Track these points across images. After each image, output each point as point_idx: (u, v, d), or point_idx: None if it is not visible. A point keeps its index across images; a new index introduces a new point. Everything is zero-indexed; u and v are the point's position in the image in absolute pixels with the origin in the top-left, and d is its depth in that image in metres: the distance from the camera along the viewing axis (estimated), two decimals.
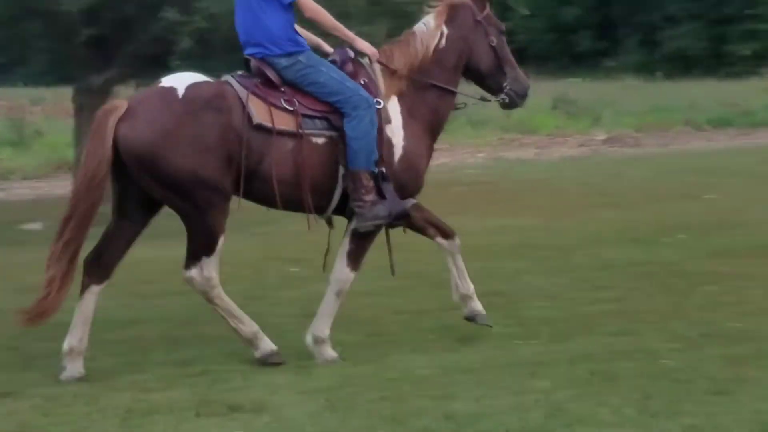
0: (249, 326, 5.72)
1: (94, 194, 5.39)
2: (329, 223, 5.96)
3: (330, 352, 5.80)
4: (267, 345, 5.74)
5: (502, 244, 9.54)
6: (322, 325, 5.81)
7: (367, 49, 5.90)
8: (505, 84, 6.12)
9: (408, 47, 5.96)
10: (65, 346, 5.54)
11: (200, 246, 5.52)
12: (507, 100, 6.14)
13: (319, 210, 5.82)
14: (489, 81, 6.16)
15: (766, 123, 22.82)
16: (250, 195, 5.64)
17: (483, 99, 6.26)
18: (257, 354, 5.73)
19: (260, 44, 5.68)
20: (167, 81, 5.55)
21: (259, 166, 5.52)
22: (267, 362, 5.69)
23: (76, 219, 5.41)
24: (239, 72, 5.76)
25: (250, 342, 5.73)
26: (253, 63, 5.70)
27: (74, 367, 5.52)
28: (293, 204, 5.73)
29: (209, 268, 5.53)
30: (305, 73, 5.70)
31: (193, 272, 5.55)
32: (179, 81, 5.50)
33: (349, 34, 5.86)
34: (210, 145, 5.36)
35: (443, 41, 5.99)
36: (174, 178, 5.34)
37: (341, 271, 5.84)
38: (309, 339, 5.81)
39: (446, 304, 6.49)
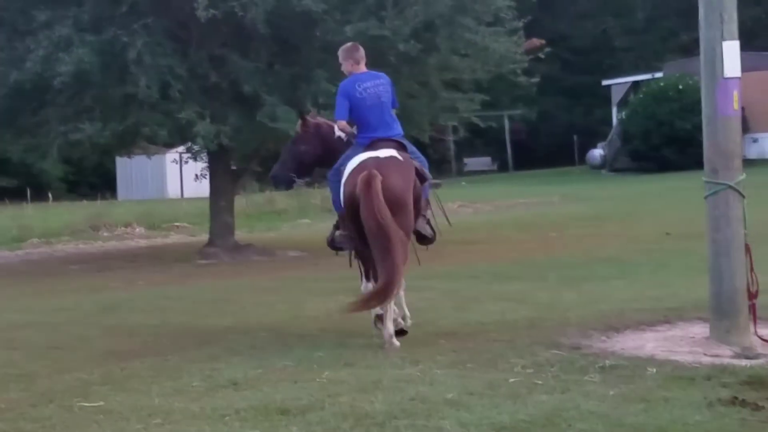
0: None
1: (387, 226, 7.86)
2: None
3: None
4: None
5: None
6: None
7: None
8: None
9: None
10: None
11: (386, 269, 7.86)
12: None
13: None
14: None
15: None
16: None
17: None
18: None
19: (391, 128, 8.52)
20: (382, 153, 8.16)
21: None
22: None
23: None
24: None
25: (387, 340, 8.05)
26: (386, 141, 8.41)
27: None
28: None
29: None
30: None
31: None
32: (392, 151, 8.21)
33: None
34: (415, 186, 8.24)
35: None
36: (409, 210, 8.06)
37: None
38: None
39: None
